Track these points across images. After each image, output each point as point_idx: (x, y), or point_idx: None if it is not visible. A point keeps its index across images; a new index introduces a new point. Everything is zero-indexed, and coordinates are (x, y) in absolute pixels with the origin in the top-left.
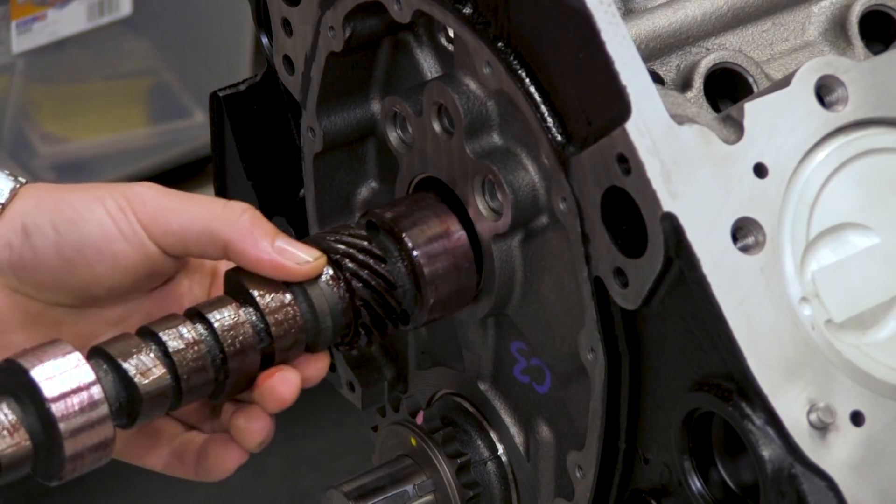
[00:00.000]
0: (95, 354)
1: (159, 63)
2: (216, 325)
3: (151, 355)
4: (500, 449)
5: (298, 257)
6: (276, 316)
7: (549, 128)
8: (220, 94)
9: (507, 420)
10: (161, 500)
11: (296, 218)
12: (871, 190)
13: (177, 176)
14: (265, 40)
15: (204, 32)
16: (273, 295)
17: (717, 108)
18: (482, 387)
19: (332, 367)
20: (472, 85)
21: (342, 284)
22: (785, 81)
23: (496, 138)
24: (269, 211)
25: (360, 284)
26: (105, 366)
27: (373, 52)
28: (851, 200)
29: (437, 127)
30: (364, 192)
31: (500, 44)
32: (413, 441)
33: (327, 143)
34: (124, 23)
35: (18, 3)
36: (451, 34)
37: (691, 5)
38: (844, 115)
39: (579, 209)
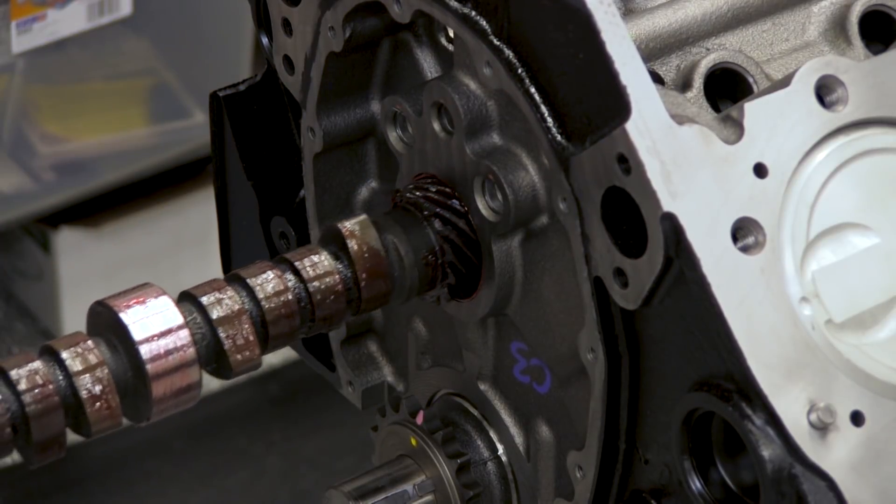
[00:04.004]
0: (185, 299)
1: (159, 63)
2: (305, 275)
3: (240, 304)
4: (500, 449)
5: None
6: (367, 276)
7: (549, 128)
8: (220, 94)
9: (507, 420)
10: (160, 501)
11: (296, 218)
12: (871, 190)
13: (177, 176)
14: (265, 40)
15: (204, 32)
16: (367, 249)
17: (717, 108)
18: (482, 387)
19: (332, 367)
20: (472, 85)
21: (434, 242)
22: (785, 81)
23: (496, 138)
24: (269, 211)
25: (448, 246)
26: (194, 311)
27: (373, 52)
28: (851, 200)
29: (437, 127)
30: (364, 192)
31: (499, 44)
32: (413, 441)
33: (327, 143)
34: (124, 23)
35: (18, 3)
36: (451, 34)
37: (691, 5)
38: (844, 115)
39: (579, 209)
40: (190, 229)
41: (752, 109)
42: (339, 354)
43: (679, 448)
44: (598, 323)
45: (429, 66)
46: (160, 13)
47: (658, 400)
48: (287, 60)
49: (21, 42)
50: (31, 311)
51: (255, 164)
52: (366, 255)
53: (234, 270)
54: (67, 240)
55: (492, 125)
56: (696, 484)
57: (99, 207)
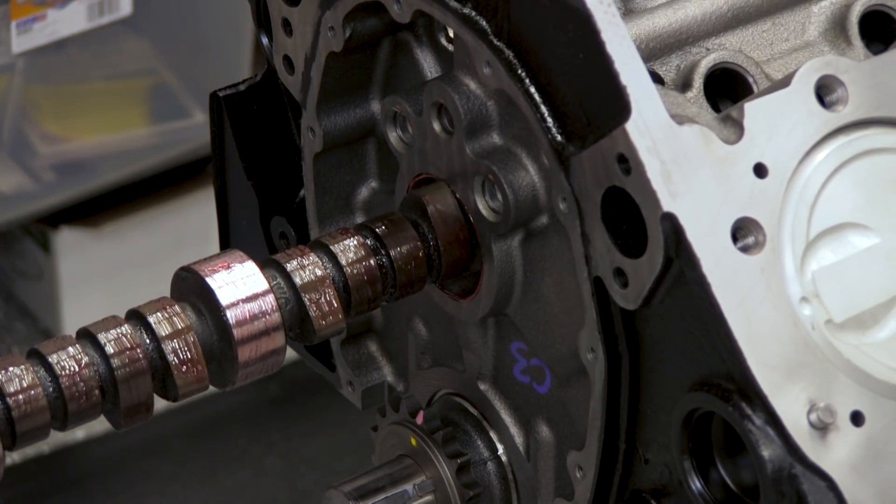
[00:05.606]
0: (269, 265)
1: (159, 63)
2: (387, 241)
3: (323, 269)
4: (500, 449)
5: None
6: (447, 243)
7: (549, 128)
8: (220, 94)
9: (507, 420)
10: (161, 501)
11: (296, 218)
12: (871, 190)
13: (177, 176)
14: (265, 40)
15: (204, 32)
16: (447, 216)
17: (717, 108)
18: (482, 387)
19: (332, 367)
20: (472, 85)
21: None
22: (785, 81)
23: (496, 138)
24: (269, 211)
25: None
26: (278, 276)
27: (373, 52)
28: (851, 200)
29: (437, 127)
30: (364, 192)
31: (499, 44)
32: (413, 441)
33: (327, 143)
34: (124, 23)
35: (18, 3)
36: (451, 34)
37: (691, 5)
38: (844, 115)
39: (579, 209)
40: (190, 229)
41: (752, 109)
42: (339, 354)
43: (679, 448)
44: (598, 323)
45: (429, 66)
46: (160, 13)
47: (658, 400)
48: (287, 60)
49: (21, 42)
50: (31, 311)
51: (255, 164)
52: (446, 222)
53: (319, 237)
54: (67, 240)
55: (492, 125)
56: (696, 484)
57: (99, 207)
